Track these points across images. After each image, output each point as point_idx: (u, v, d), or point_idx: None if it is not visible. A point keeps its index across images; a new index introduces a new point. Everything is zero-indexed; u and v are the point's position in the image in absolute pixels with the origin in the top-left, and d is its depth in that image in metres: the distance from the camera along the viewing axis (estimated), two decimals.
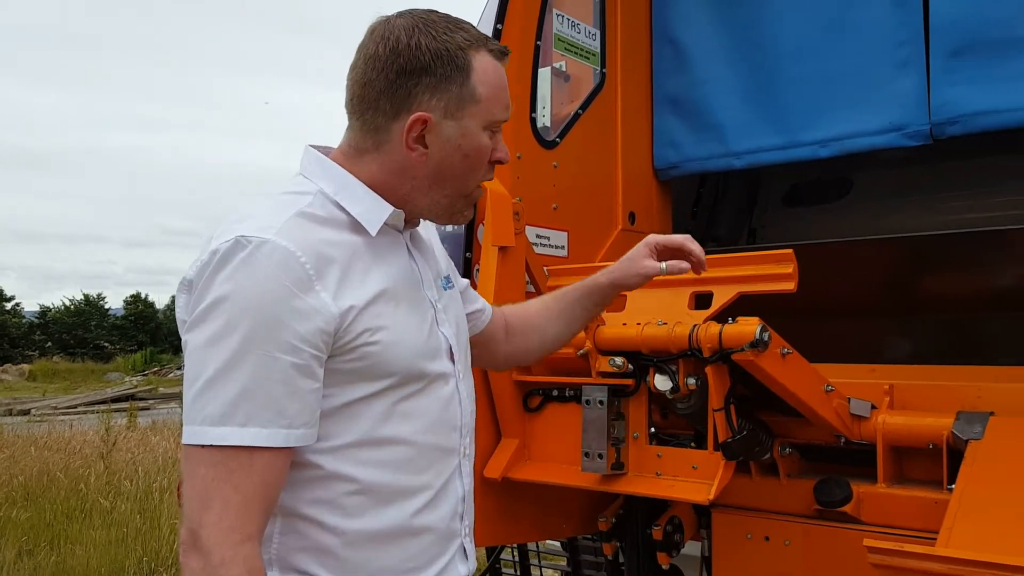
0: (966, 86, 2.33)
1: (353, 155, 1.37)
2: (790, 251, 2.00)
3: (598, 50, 2.75)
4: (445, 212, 1.43)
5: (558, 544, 3.19)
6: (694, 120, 2.84)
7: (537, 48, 2.48)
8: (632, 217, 2.84)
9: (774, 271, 2.02)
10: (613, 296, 1.81)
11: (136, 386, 25.66)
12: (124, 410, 14.13)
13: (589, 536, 2.83)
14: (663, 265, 1.73)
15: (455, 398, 1.42)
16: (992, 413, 2.10)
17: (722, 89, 2.77)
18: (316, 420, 1.23)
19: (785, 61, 2.64)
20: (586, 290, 1.78)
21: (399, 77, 1.30)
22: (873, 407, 2.24)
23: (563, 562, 3.20)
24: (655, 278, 1.74)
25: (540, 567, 3.28)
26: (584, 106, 2.69)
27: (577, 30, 2.67)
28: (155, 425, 11.69)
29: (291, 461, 1.24)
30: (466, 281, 1.70)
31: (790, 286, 1.99)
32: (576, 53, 2.68)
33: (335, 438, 1.27)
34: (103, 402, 18.66)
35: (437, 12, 1.36)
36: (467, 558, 1.45)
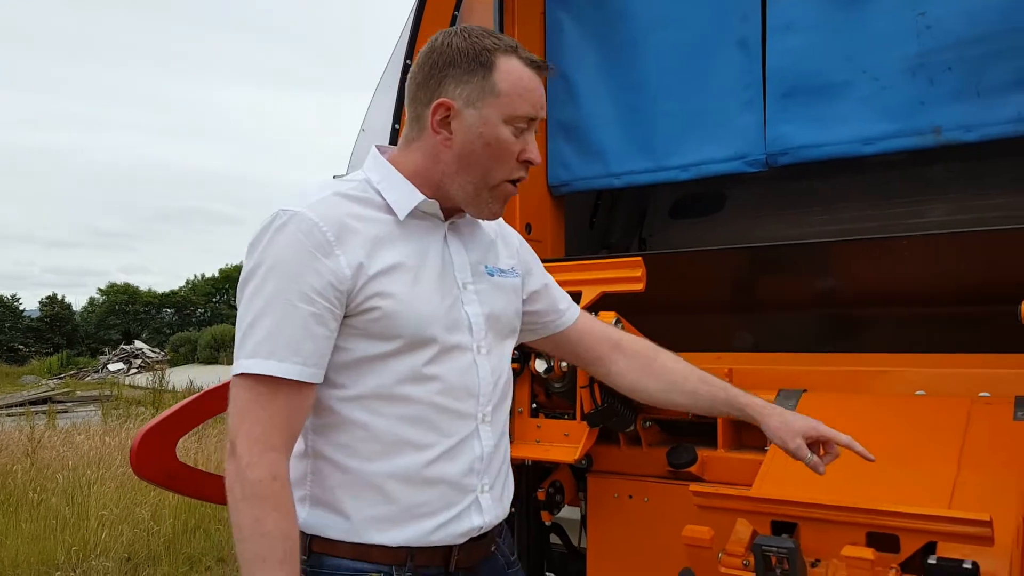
0: (794, 123, 2.80)
1: (404, 146, 1.58)
2: (639, 258, 2.44)
3: None
4: (472, 200, 1.55)
5: None
6: (581, 144, 3.25)
7: None
8: (528, 228, 3.26)
9: (628, 274, 2.46)
10: (735, 416, 1.88)
11: (53, 389, 25.05)
12: (43, 412, 13.96)
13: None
14: (809, 456, 1.75)
15: (473, 369, 1.55)
16: (805, 390, 2.59)
17: (604, 120, 3.19)
18: (325, 363, 1.43)
19: (655, 98, 3.07)
20: (726, 400, 1.84)
21: (432, 69, 1.50)
22: None
23: None
24: None
25: None
26: None
27: None
28: (76, 426, 11.64)
29: (318, 408, 1.47)
30: (545, 280, 1.85)
31: (639, 287, 2.43)
32: None
33: (351, 388, 1.47)
34: (20, 404, 18.26)
35: (483, 28, 1.54)
36: (483, 512, 1.56)
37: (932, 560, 1.78)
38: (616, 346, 1.89)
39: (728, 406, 1.84)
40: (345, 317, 1.45)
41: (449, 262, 1.58)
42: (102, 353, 46.82)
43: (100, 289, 68.11)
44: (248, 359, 1.39)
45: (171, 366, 31.26)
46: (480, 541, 1.59)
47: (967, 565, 1.75)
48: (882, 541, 1.93)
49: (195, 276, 75.93)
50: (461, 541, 1.54)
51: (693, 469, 2.65)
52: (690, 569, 2.25)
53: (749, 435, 2.72)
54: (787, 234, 3.59)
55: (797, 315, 2.88)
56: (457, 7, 2.80)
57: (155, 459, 2.06)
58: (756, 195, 3.82)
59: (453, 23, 2.85)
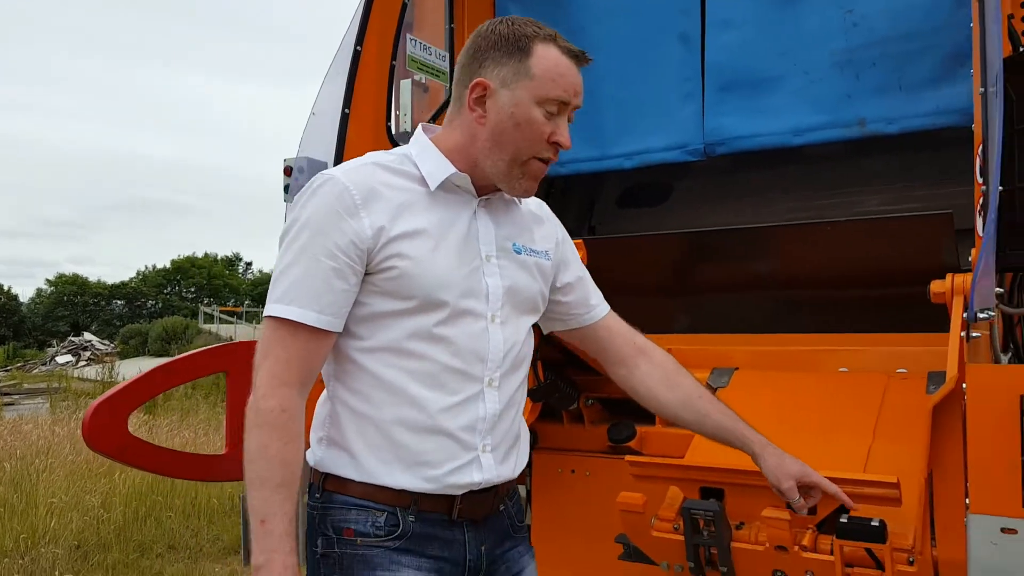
0: (731, 115, 2.94)
1: (447, 124, 1.68)
2: (580, 240, 2.54)
3: (447, 70, 3.25)
4: (504, 177, 1.62)
5: None
6: None
7: (392, 67, 2.95)
8: None
9: None
10: (730, 445, 1.93)
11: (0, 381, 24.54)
12: None
13: None
14: (797, 499, 1.84)
15: (485, 335, 1.62)
16: (737, 368, 2.73)
17: None
18: (343, 314, 1.55)
19: (600, 88, 3.17)
20: (732, 432, 1.91)
21: (475, 53, 1.61)
22: None
23: None
24: None
25: None
26: (434, 117, 3.17)
27: (429, 52, 3.16)
28: (23, 417, 11.46)
29: (339, 357, 1.60)
30: (580, 274, 1.93)
31: None
32: (428, 71, 3.18)
33: (367, 340, 1.58)
34: None
35: (529, 19, 1.64)
36: (483, 470, 1.63)
37: (843, 519, 1.92)
38: (641, 351, 1.96)
39: (731, 435, 1.91)
40: (366, 275, 1.56)
41: (475, 234, 1.66)
42: (50, 345, 45.82)
43: (48, 280, 66.65)
44: (275, 303, 1.53)
45: (121, 358, 30.73)
46: (483, 495, 1.66)
47: (875, 523, 1.89)
48: None
49: (146, 267, 74.73)
50: (460, 492, 1.62)
51: (632, 444, 2.78)
52: (625, 535, 2.36)
53: None
54: (728, 223, 3.72)
55: (731, 298, 3.01)
56: None
57: (107, 432, 2.12)
58: (700, 185, 3.95)
59: (403, 11, 2.93)
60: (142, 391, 2.22)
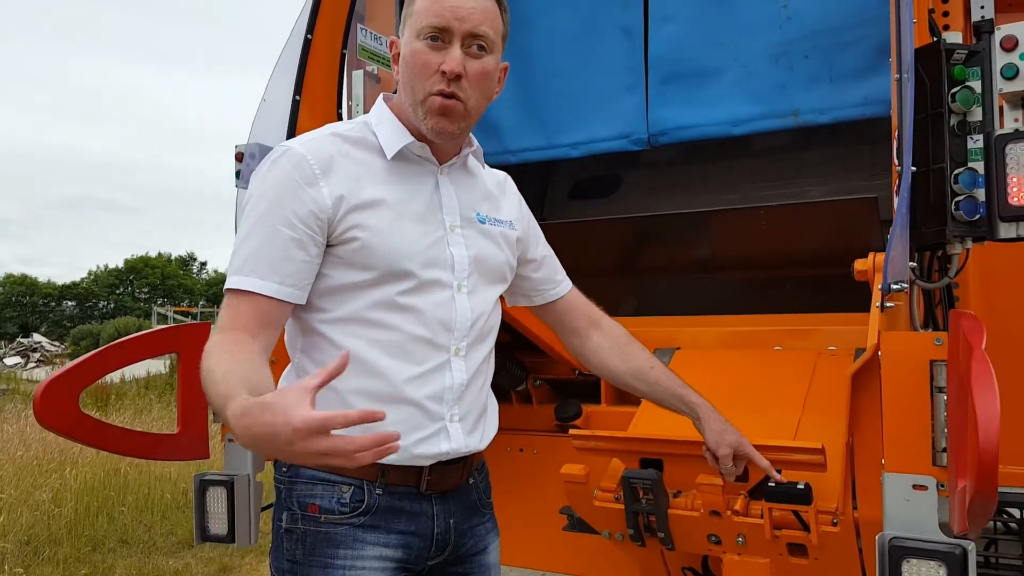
0: (672, 106, 3.04)
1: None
2: None
3: None
4: (414, 121, 1.62)
5: None
6: (479, 122, 3.43)
7: (343, 56, 3.00)
8: None
9: None
10: (678, 411, 2.00)
11: None
12: None
13: None
14: (728, 467, 1.95)
15: (451, 304, 1.62)
16: (678, 348, 2.83)
17: (500, 98, 3.37)
18: (304, 285, 1.54)
19: (547, 79, 3.26)
20: (681, 399, 1.97)
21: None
22: None
23: None
24: None
25: None
26: None
27: (379, 42, 3.21)
28: None
29: (304, 330, 1.59)
30: (546, 252, 1.97)
31: None
32: (379, 61, 3.23)
33: (331, 311, 1.57)
34: None
35: None
36: (451, 439, 1.62)
37: (771, 484, 2.03)
38: (595, 324, 2.00)
39: (680, 401, 1.97)
40: (328, 246, 1.55)
41: (437, 205, 1.66)
42: None
43: None
44: (233, 275, 1.52)
45: (72, 359, 30.10)
46: (451, 466, 1.66)
47: (800, 486, 2.00)
48: None
49: (98, 267, 73.21)
50: (428, 464, 1.61)
51: (579, 422, 2.86)
52: (569, 507, 2.45)
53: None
54: (667, 208, 3.83)
55: (674, 281, 3.12)
56: None
57: (58, 409, 2.14)
58: (649, 176, 4.06)
59: (354, 1, 2.98)
60: (94, 369, 2.24)
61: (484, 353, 1.72)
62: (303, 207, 1.51)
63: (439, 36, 1.56)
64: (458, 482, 1.70)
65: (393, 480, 1.59)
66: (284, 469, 1.61)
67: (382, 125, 1.65)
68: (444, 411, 1.62)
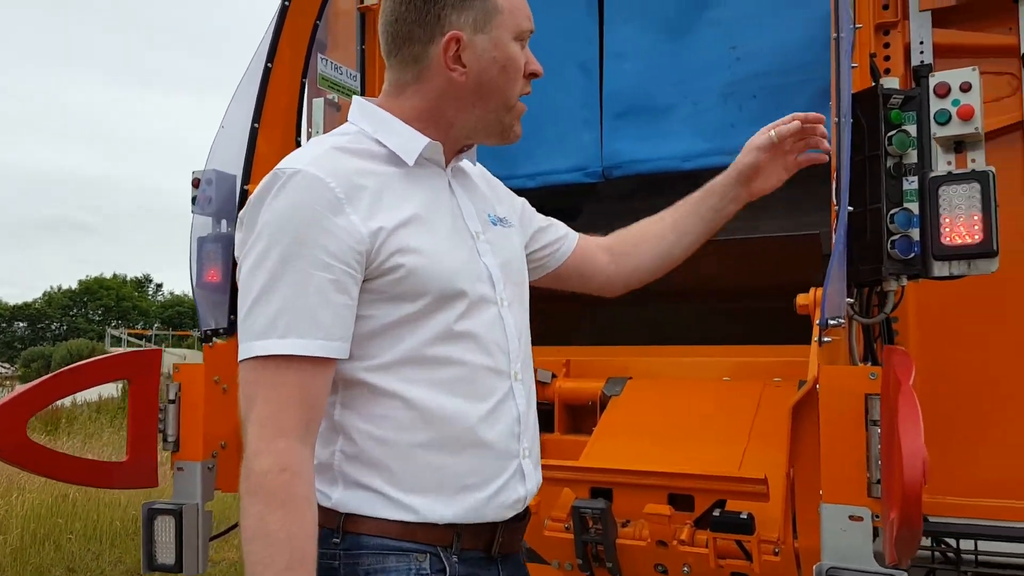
0: (626, 140, 3.12)
1: (394, 93, 1.45)
2: None
3: (359, 89, 3.36)
4: (494, 129, 1.47)
5: None
6: None
7: (303, 84, 3.03)
8: None
9: None
10: (736, 192, 1.78)
11: None
12: None
13: None
14: (772, 132, 1.76)
15: (500, 323, 1.42)
16: (630, 377, 2.88)
17: None
18: (349, 335, 1.28)
19: None
20: (704, 192, 1.77)
21: (426, 4, 1.38)
22: (554, 376, 2.98)
23: None
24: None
25: None
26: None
27: (340, 72, 3.25)
28: None
29: (344, 382, 1.32)
30: (541, 217, 1.78)
31: None
32: (339, 90, 3.27)
33: (379, 357, 1.31)
34: None
35: None
36: (525, 480, 1.44)
37: (716, 513, 2.07)
38: (606, 248, 1.84)
39: (717, 195, 1.79)
40: (364, 281, 1.30)
41: (458, 212, 1.47)
42: None
43: None
44: (259, 340, 1.23)
45: (22, 382, 29.43)
46: (519, 524, 1.49)
47: (743, 516, 2.05)
48: (681, 501, 2.22)
49: (52, 288, 71.78)
50: (508, 515, 1.42)
51: None
52: None
53: (583, 420, 3.00)
54: None
55: (627, 312, 3.17)
56: (319, 16, 2.96)
57: (5, 435, 2.12)
58: (606, 208, 4.14)
59: (315, 31, 3.01)
60: (43, 396, 2.22)
61: (532, 372, 1.54)
62: (335, 242, 1.25)
63: (527, 39, 1.47)
64: (521, 536, 1.52)
65: (467, 544, 1.37)
66: (336, 540, 1.32)
67: (386, 129, 1.42)
68: (516, 447, 1.43)
